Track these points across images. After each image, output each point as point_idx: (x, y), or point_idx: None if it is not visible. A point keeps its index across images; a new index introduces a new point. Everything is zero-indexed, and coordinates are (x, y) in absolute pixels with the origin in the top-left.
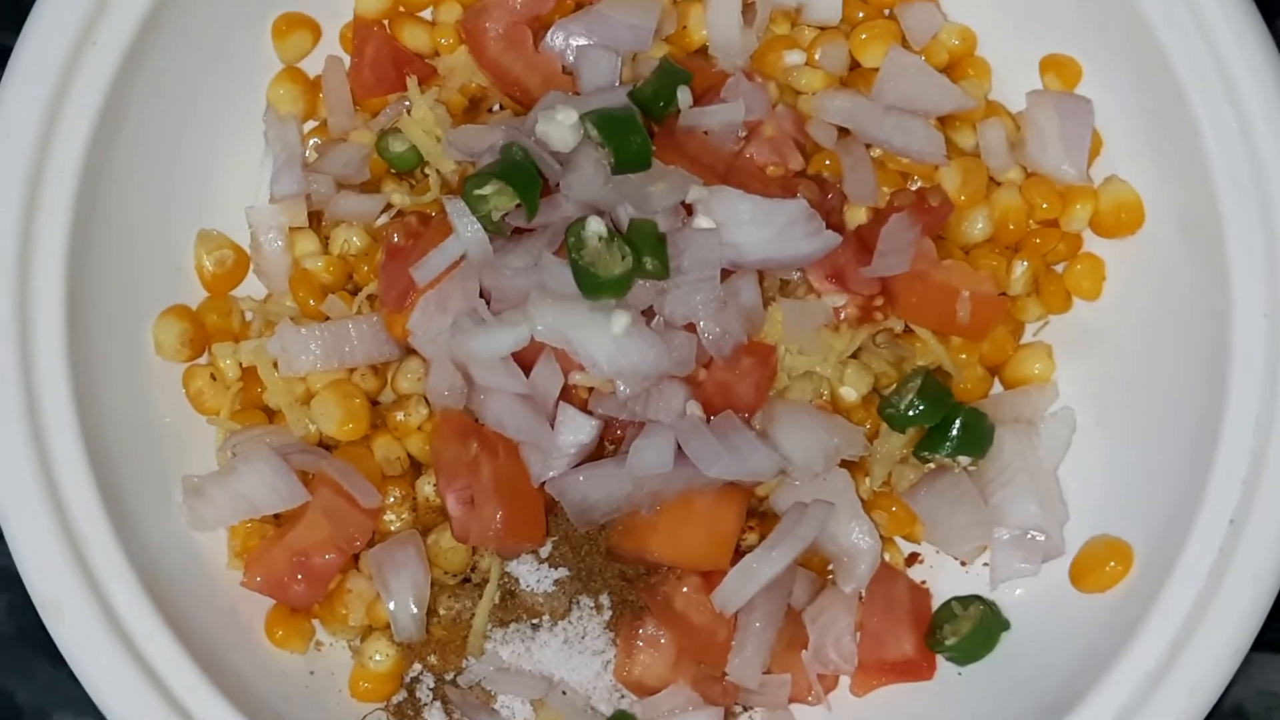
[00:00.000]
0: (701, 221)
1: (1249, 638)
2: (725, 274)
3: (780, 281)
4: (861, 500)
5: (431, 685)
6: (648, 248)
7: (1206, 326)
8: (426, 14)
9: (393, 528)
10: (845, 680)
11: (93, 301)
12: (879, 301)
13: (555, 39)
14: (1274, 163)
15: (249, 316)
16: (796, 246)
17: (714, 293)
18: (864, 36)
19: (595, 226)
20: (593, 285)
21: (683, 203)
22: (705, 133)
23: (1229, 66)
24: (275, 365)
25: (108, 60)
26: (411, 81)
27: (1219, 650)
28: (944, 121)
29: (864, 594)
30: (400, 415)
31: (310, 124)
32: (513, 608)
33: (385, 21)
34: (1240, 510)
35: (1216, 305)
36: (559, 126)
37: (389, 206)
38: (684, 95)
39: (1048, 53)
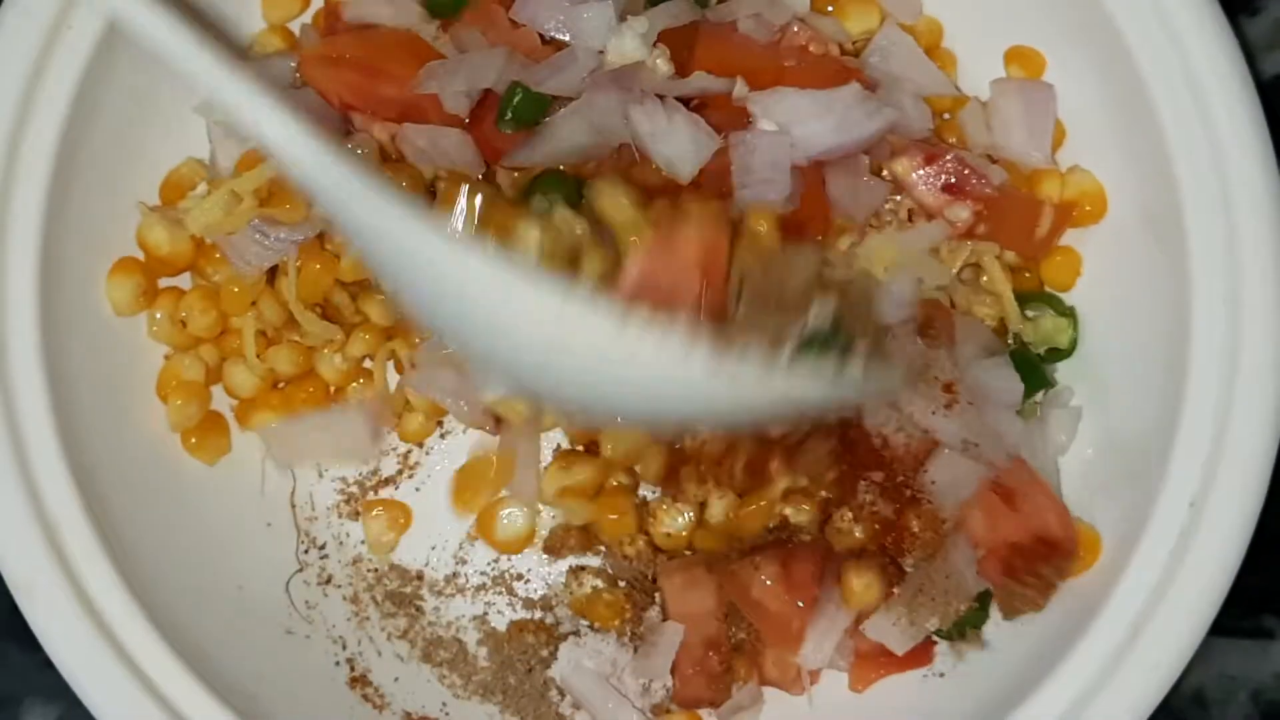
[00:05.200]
0: (764, 125)
1: (1207, 620)
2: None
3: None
4: None
5: None
6: None
7: (1167, 313)
8: None
9: None
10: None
11: (63, 264)
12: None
13: None
14: (1234, 153)
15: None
16: (860, 128)
17: (785, 191)
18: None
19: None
20: None
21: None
22: (736, 26)
23: (1190, 57)
24: None
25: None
26: None
27: (1179, 630)
28: None
29: None
30: None
31: None
32: None
33: None
34: (1200, 494)
35: (1177, 293)
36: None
37: None
38: None
39: (1011, 45)
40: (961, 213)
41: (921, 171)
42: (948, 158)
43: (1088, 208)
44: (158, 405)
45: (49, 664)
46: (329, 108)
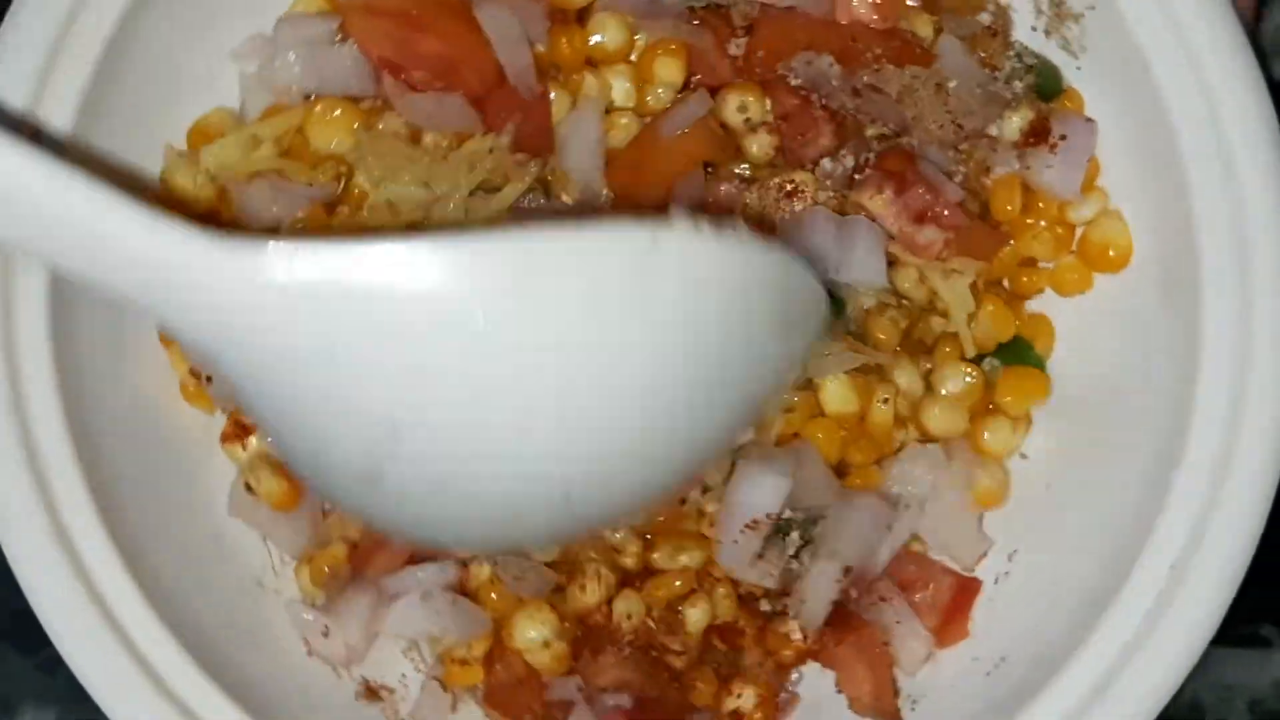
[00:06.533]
0: None
1: (1191, 660)
2: None
3: None
4: None
5: None
6: None
7: (1172, 370)
8: None
9: None
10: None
11: None
12: None
13: None
14: (1257, 224)
15: None
16: None
17: None
18: None
19: None
20: None
21: None
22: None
23: (1222, 121)
24: None
25: None
26: None
27: (1167, 662)
28: None
29: None
30: None
31: None
32: None
33: None
34: (1191, 541)
35: (1184, 354)
36: None
37: None
38: None
39: None
40: (932, 235)
41: (894, 204)
42: (919, 187)
43: (1113, 255)
44: (159, 351)
45: (44, 667)
46: (365, 67)
